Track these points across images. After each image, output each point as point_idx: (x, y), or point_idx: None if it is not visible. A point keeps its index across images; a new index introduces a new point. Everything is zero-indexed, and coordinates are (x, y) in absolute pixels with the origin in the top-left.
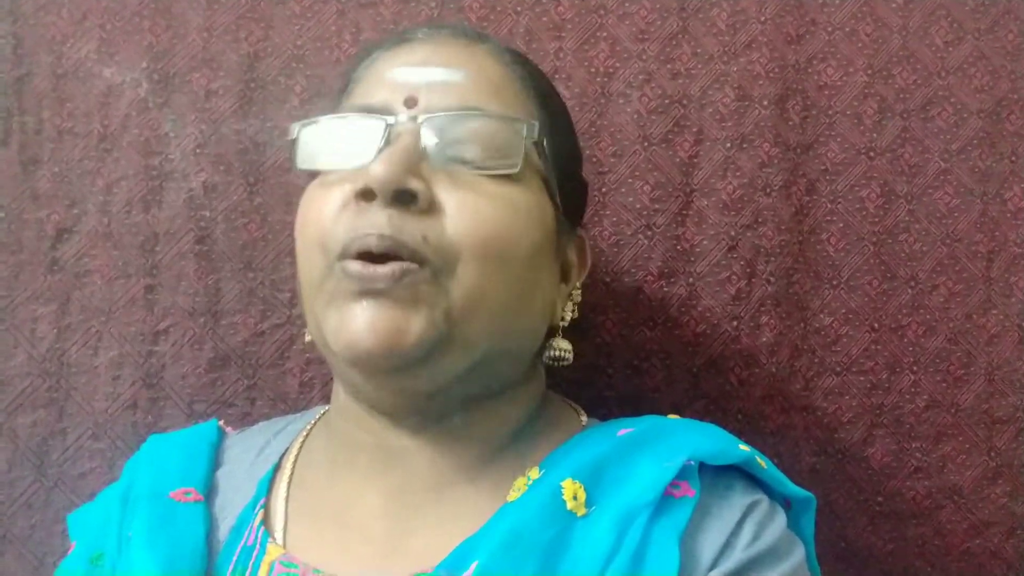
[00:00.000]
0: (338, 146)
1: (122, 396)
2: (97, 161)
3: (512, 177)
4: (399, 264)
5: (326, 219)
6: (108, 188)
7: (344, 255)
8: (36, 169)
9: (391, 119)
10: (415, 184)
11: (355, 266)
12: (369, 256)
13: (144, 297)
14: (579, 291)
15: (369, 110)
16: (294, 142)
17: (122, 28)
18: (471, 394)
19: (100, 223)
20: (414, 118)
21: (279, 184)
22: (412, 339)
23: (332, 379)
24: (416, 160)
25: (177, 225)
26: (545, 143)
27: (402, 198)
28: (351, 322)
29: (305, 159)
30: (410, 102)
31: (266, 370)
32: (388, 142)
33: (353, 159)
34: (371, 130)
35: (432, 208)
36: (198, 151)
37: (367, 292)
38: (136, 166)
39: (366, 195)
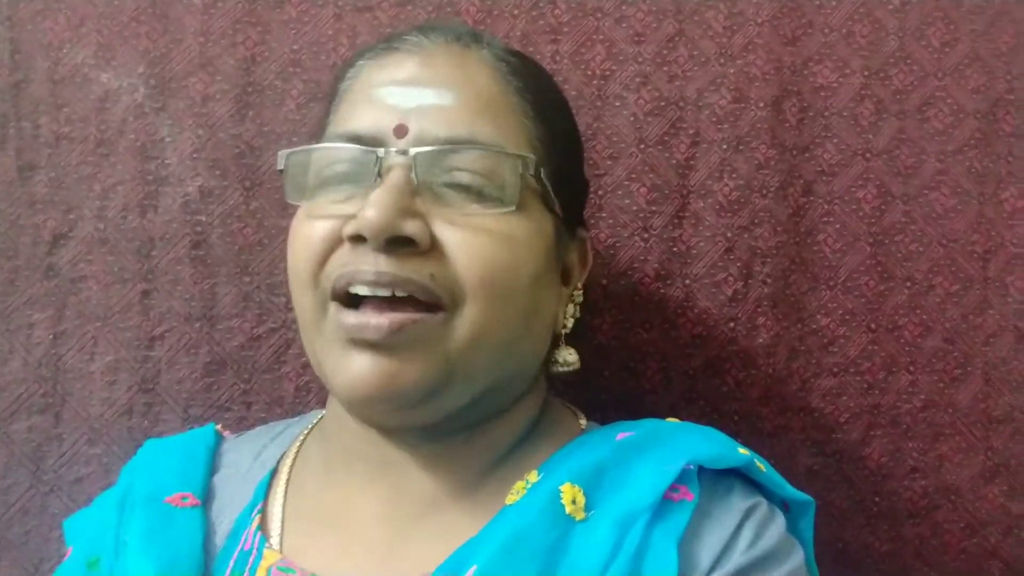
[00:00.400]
0: (327, 178)
1: (118, 401)
2: (94, 166)
3: None
4: (394, 316)
5: (316, 255)
6: (104, 193)
7: (336, 294)
8: (33, 174)
9: (380, 151)
10: (411, 228)
11: (349, 318)
12: (365, 299)
13: (140, 302)
14: (580, 292)
15: (358, 139)
16: (283, 172)
17: (119, 33)
18: (476, 417)
19: (96, 228)
20: (404, 151)
21: (275, 189)
22: (410, 386)
23: None
24: (409, 199)
25: (173, 230)
26: (542, 171)
27: (397, 242)
28: (348, 370)
29: (294, 192)
30: (400, 131)
31: (262, 374)
32: (379, 177)
33: (343, 192)
34: (360, 163)
35: (433, 247)
36: (195, 156)
37: (360, 342)
38: (132, 171)
39: (358, 240)
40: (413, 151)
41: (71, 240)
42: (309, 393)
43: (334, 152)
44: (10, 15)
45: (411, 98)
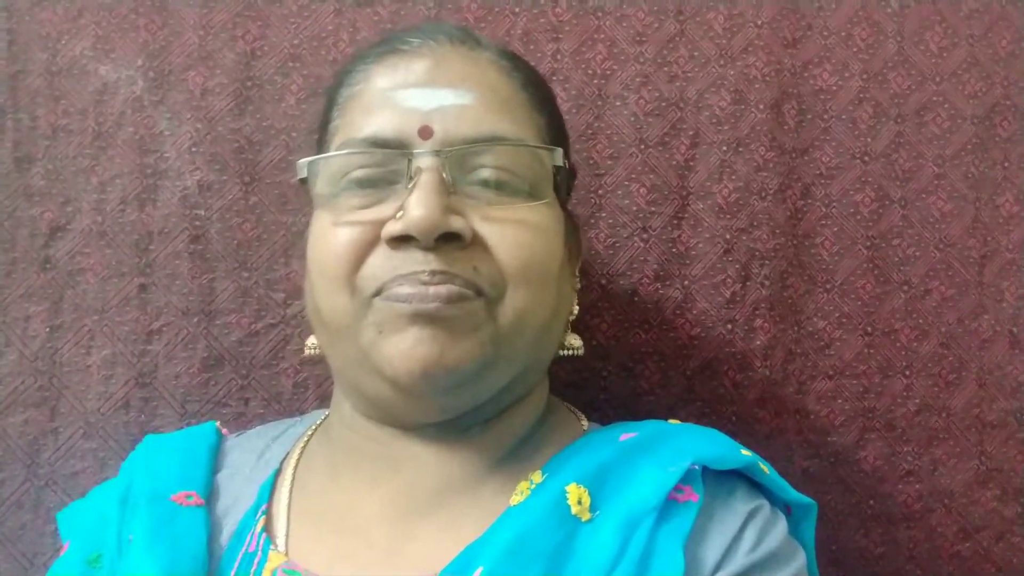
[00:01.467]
0: (348, 184)
1: (115, 395)
2: (91, 159)
3: None
4: (454, 287)
5: (349, 261)
6: (102, 186)
7: (382, 293)
8: (30, 166)
9: (412, 154)
10: (457, 224)
11: (405, 290)
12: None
13: (138, 296)
14: (577, 278)
15: (383, 144)
16: (304, 181)
17: (117, 25)
18: (493, 410)
19: (94, 221)
20: (436, 152)
21: (274, 184)
22: (466, 361)
23: (327, 380)
24: (447, 197)
25: (171, 224)
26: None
27: (443, 239)
28: (408, 349)
29: (322, 200)
30: (425, 132)
31: (260, 370)
32: (413, 180)
33: (365, 197)
34: (386, 167)
35: (474, 241)
36: (193, 149)
37: (419, 315)
38: (131, 164)
39: (404, 240)
40: (444, 151)
41: (68, 233)
42: (307, 389)
43: (355, 157)
44: (8, 5)
45: (431, 99)
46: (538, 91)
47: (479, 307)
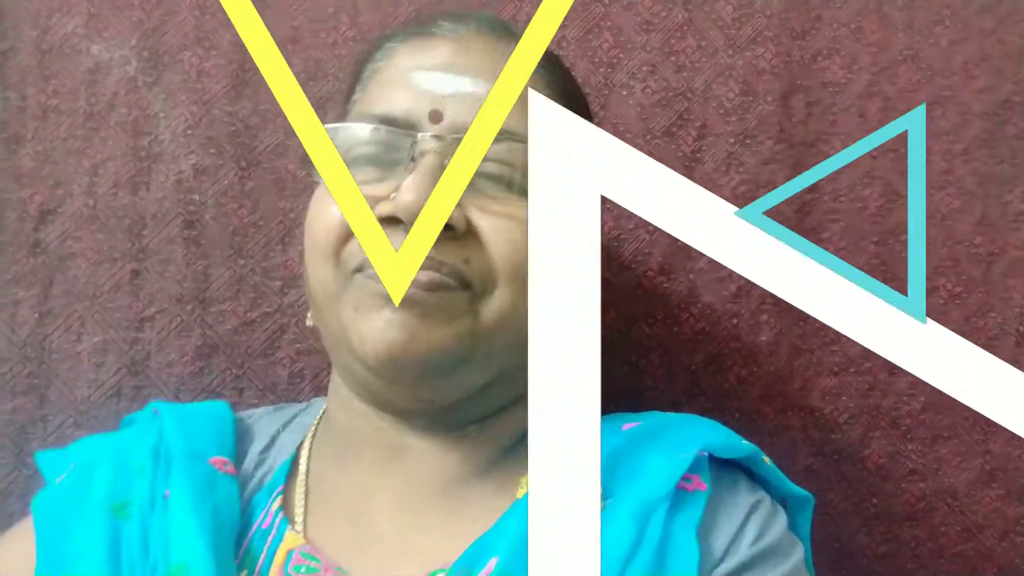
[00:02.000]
0: (352, 158)
1: (105, 384)
2: (83, 140)
3: None
4: (436, 275)
5: (339, 233)
6: (94, 169)
7: (364, 269)
8: (19, 148)
9: (416, 136)
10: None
11: None
12: None
13: (130, 282)
14: None
15: (391, 122)
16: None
17: (111, 3)
18: (488, 407)
19: (85, 205)
20: (441, 137)
21: (271, 169)
22: (435, 350)
23: (323, 371)
24: None
25: (165, 208)
26: None
27: None
28: (378, 330)
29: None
30: (435, 116)
31: (255, 359)
32: (414, 161)
33: (367, 173)
34: (394, 146)
35: (468, 232)
36: (188, 132)
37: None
38: (124, 146)
39: (394, 222)
40: (449, 137)
41: (59, 216)
42: (303, 379)
43: (363, 133)
44: None
45: (447, 84)
46: (566, 93)
47: (461, 299)
